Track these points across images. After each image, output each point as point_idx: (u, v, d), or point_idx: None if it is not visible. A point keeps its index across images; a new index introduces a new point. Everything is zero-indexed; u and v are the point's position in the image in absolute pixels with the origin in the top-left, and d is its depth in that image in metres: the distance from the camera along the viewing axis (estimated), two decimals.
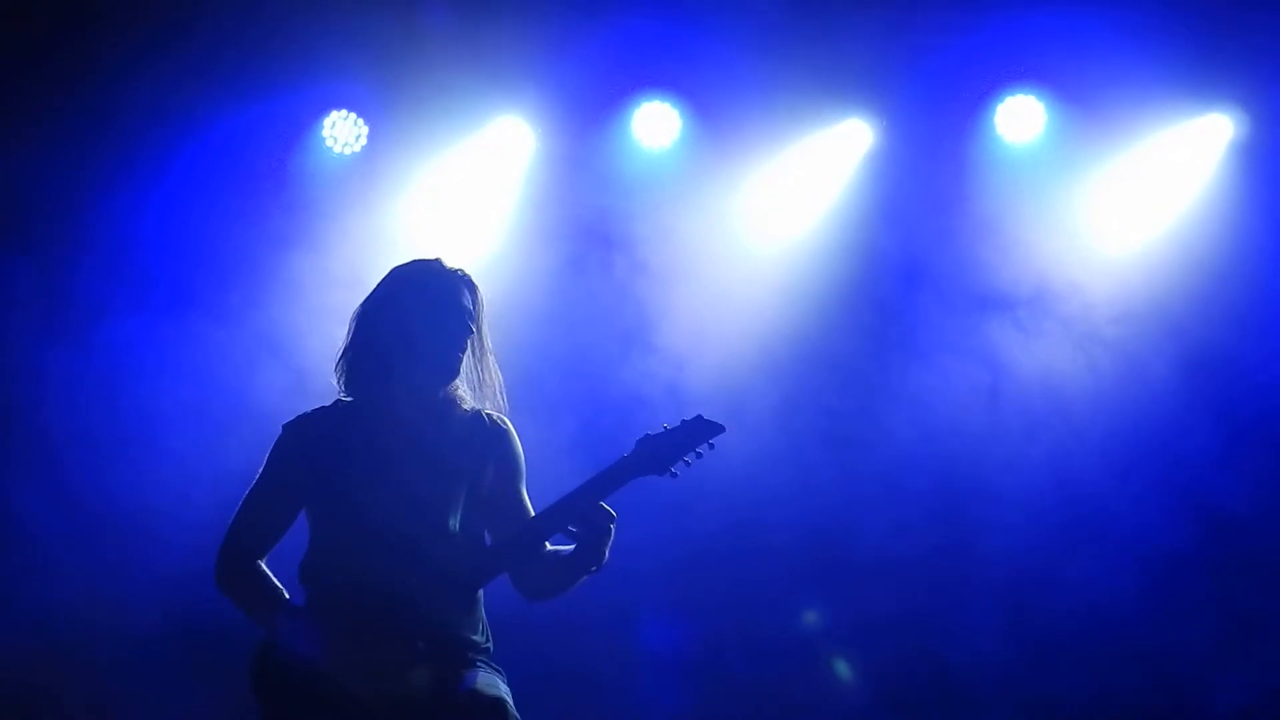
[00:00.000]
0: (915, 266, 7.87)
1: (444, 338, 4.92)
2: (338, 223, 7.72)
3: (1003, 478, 7.59)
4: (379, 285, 4.98)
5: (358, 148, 7.87)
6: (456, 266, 5.00)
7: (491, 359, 5.06)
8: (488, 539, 5.04)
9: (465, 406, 4.98)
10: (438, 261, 5.01)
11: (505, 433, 5.05)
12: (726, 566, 7.55)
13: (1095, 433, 7.64)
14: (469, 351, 4.99)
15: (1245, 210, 7.78)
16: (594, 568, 4.86)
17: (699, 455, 4.95)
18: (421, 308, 4.91)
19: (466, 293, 4.96)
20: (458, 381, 4.98)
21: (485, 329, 5.05)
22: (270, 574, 4.93)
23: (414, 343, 4.90)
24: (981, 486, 7.64)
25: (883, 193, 7.91)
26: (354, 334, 4.96)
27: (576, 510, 4.89)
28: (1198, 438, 7.57)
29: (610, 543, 4.85)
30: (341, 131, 7.85)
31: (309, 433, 4.94)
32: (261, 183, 7.81)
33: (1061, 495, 7.56)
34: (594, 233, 7.87)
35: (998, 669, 7.40)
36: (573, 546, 4.90)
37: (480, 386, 5.03)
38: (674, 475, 4.96)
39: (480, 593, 5.01)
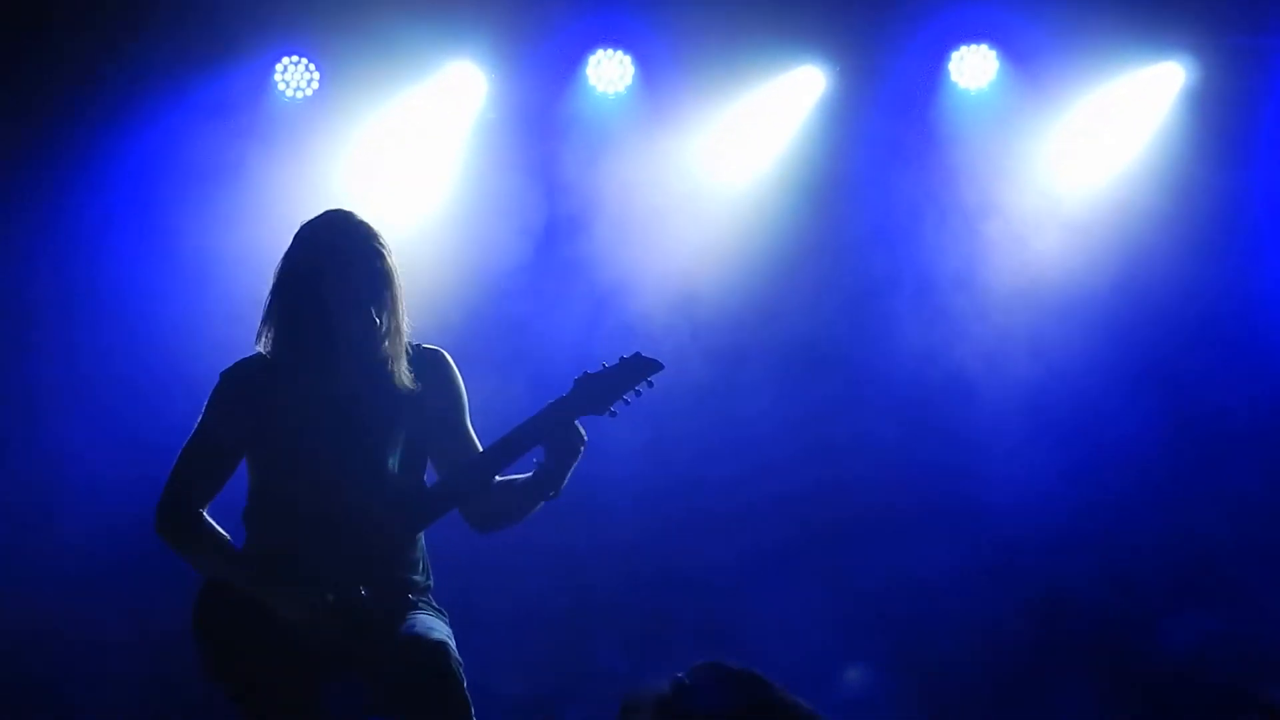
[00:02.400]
0: (870, 211, 7.88)
1: (360, 293, 4.91)
2: (288, 167, 7.68)
3: (961, 414, 7.67)
4: (293, 244, 5.00)
5: (309, 92, 7.83)
6: (362, 219, 5.02)
7: (400, 312, 5.04)
8: (434, 475, 5.05)
9: (395, 347, 4.98)
10: (344, 216, 5.04)
11: (440, 360, 5.09)
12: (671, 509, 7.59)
13: (1056, 369, 7.67)
14: (386, 300, 4.96)
15: (1196, 156, 7.79)
16: (553, 493, 4.91)
17: (638, 393, 4.97)
18: (332, 266, 4.90)
19: (374, 242, 4.98)
20: (384, 325, 4.96)
21: (397, 276, 5.01)
22: (212, 522, 4.96)
23: (332, 301, 4.90)
24: (944, 423, 7.69)
25: (836, 138, 7.89)
26: (272, 297, 4.98)
27: (516, 451, 4.92)
28: (1153, 378, 7.64)
29: (568, 475, 4.91)
30: (293, 76, 7.82)
31: (246, 380, 4.95)
32: (213, 128, 7.76)
33: (1028, 439, 7.60)
34: (546, 178, 7.86)
35: (953, 609, 7.46)
36: (528, 474, 4.94)
37: (398, 330, 5.01)
38: (613, 414, 4.96)
39: (421, 534, 5.05)
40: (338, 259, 4.91)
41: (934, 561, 7.51)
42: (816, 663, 7.24)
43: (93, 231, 7.78)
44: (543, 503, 4.99)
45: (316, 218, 5.02)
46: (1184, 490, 7.38)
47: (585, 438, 4.93)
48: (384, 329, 4.92)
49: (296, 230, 5.02)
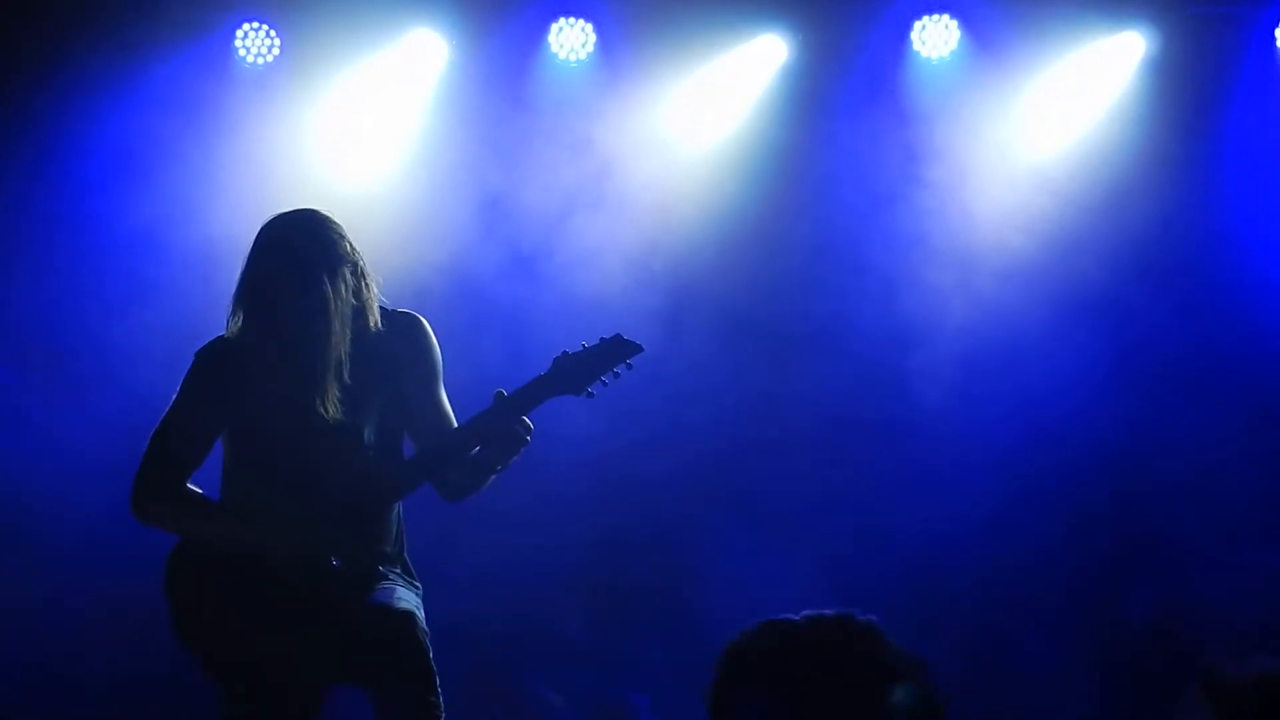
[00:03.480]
0: (831, 179, 7.90)
1: (321, 290, 4.93)
2: (248, 135, 7.70)
3: (918, 376, 7.69)
4: (255, 242, 5.07)
5: (270, 59, 7.83)
6: (313, 211, 5.09)
7: (371, 290, 5.10)
8: (410, 443, 5.11)
9: (371, 319, 5.04)
10: (302, 216, 5.11)
11: (416, 325, 5.15)
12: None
13: (1018, 334, 7.73)
14: (345, 282, 4.99)
15: (1157, 126, 7.86)
16: (500, 467, 4.97)
17: (616, 375, 4.99)
18: (288, 265, 4.96)
19: (328, 235, 5.03)
20: (348, 308, 5.01)
21: (359, 256, 5.08)
22: (193, 489, 4.99)
23: (294, 300, 4.95)
24: (898, 382, 7.72)
25: (798, 106, 7.94)
26: (238, 291, 5.05)
27: (493, 427, 4.95)
28: (1114, 348, 7.69)
29: (519, 450, 4.96)
30: (253, 43, 7.80)
31: (221, 358, 4.98)
32: (174, 95, 7.78)
33: (990, 399, 7.65)
34: (507, 145, 7.88)
35: (912, 565, 7.51)
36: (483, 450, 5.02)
37: (366, 308, 5.06)
38: (590, 395, 4.99)
39: (397, 505, 5.08)
40: (290, 253, 4.97)
41: (892, 518, 7.59)
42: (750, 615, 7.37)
43: (71, 203, 7.78)
44: (494, 476, 5.04)
45: (275, 218, 5.08)
46: (1142, 457, 7.45)
47: (532, 429, 4.97)
48: (344, 312, 4.97)
49: (261, 226, 5.06)
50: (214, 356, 5.03)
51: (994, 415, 7.68)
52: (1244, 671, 2.68)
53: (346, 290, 5.01)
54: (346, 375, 4.98)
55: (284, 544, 4.96)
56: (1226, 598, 7.21)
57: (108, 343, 7.55)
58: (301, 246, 5.03)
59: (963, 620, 7.41)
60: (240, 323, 5.01)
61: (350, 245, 5.06)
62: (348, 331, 4.98)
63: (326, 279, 4.98)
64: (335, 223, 5.11)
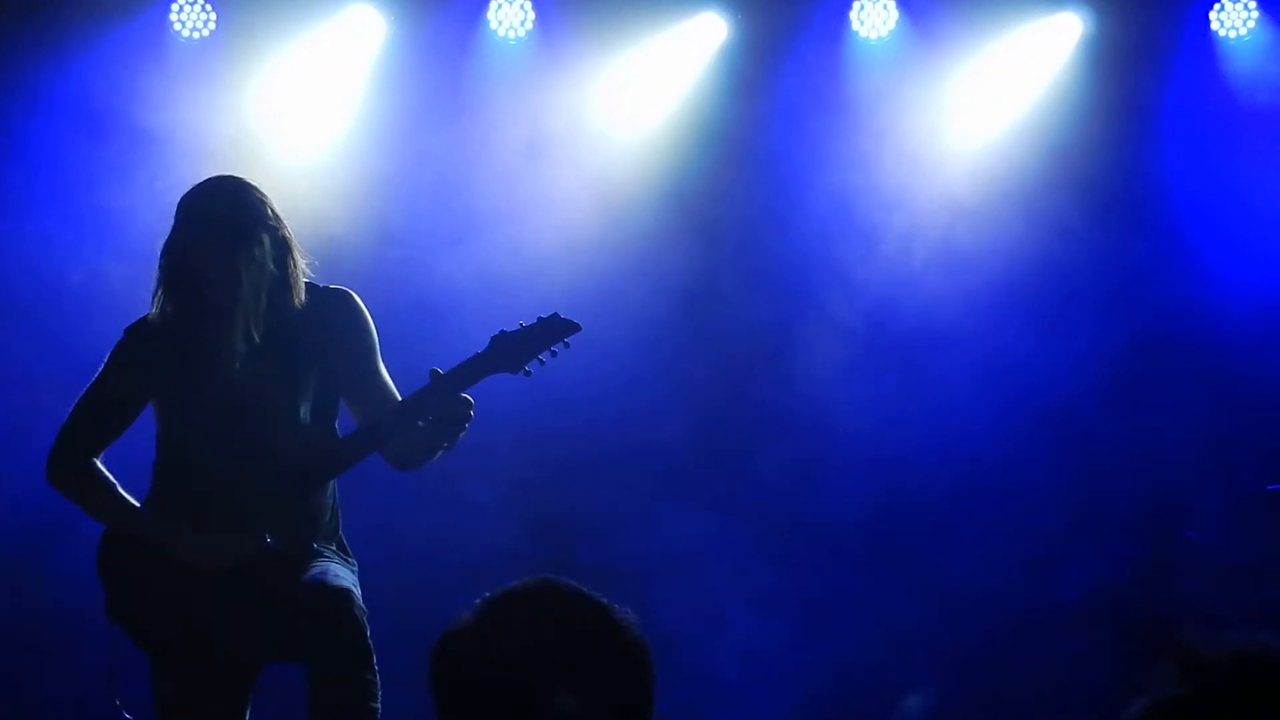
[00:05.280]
0: (771, 154, 7.94)
1: (239, 256, 4.96)
2: (184, 111, 7.70)
3: (850, 358, 7.73)
4: (175, 213, 5.07)
5: (206, 33, 7.80)
6: (240, 182, 5.11)
7: (294, 255, 5.11)
8: (353, 420, 5.14)
9: (300, 294, 5.06)
10: (220, 182, 5.14)
11: (347, 301, 5.18)
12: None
13: (951, 316, 7.76)
14: (265, 256, 5.01)
15: (1094, 107, 7.92)
16: (448, 445, 5.01)
17: (554, 354, 5.03)
18: (210, 236, 4.99)
19: (255, 205, 5.05)
20: (286, 274, 5.05)
21: (285, 229, 5.10)
22: (104, 470, 5.06)
23: (213, 270, 4.98)
24: (823, 363, 7.71)
25: (737, 84, 7.97)
26: (159, 266, 5.06)
27: (430, 405, 5.00)
28: (1056, 328, 7.76)
29: (463, 431, 5.02)
30: (189, 17, 7.79)
31: (150, 335, 5.02)
32: (107, 71, 7.76)
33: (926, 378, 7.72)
34: (445, 123, 7.90)
35: (845, 542, 7.56)
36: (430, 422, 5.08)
37: (290, 282, 5.09)
38: (527, 374, 5.02)
39: (333, 483, 5.12)
40: (212, 224, 4.99)
41: (825, 493, 7.63)
42: (713, 600, 7.37)
43: (12, 190, 7.81)
44: (440, 453, 5.07)
45: (195, 186, 5.08)
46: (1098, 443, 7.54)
47: (472, 403, 5.01)
48: (270, 283, 5.00)
49: (179, 199, 5.07)
50: (143, 334, 5.05)
51: (940, 397, 7.75)
52: (1217, 647, 2.62)
53: (264, 256, 5.01)
54: (258, 338, 4.98)
55: (187, 549, 5.02)
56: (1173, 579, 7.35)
57: (47, 325, 7.57)
58: (217, 211, 5.02)
59: (868, 585, 7.47)
60: (161, 296, 5.03)
61: (273, 212, 5.08)
62: (262, 298, 4.99)
63: (241, 243, 4.97)
64: (256, 189, 5.11)
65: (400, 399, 5.16)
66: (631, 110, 8.02)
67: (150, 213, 7.02)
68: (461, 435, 5.06)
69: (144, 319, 5.07)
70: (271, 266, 4.99)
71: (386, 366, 5.25)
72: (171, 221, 5.06)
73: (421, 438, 5.13)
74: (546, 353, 5.06)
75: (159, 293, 5.03)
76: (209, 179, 5.15)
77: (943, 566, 7.38)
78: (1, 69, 7.73)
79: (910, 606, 7.34)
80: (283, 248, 5.05)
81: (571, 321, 5.10)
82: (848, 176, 7.87)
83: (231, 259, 4.97)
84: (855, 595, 7.50)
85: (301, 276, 5.09)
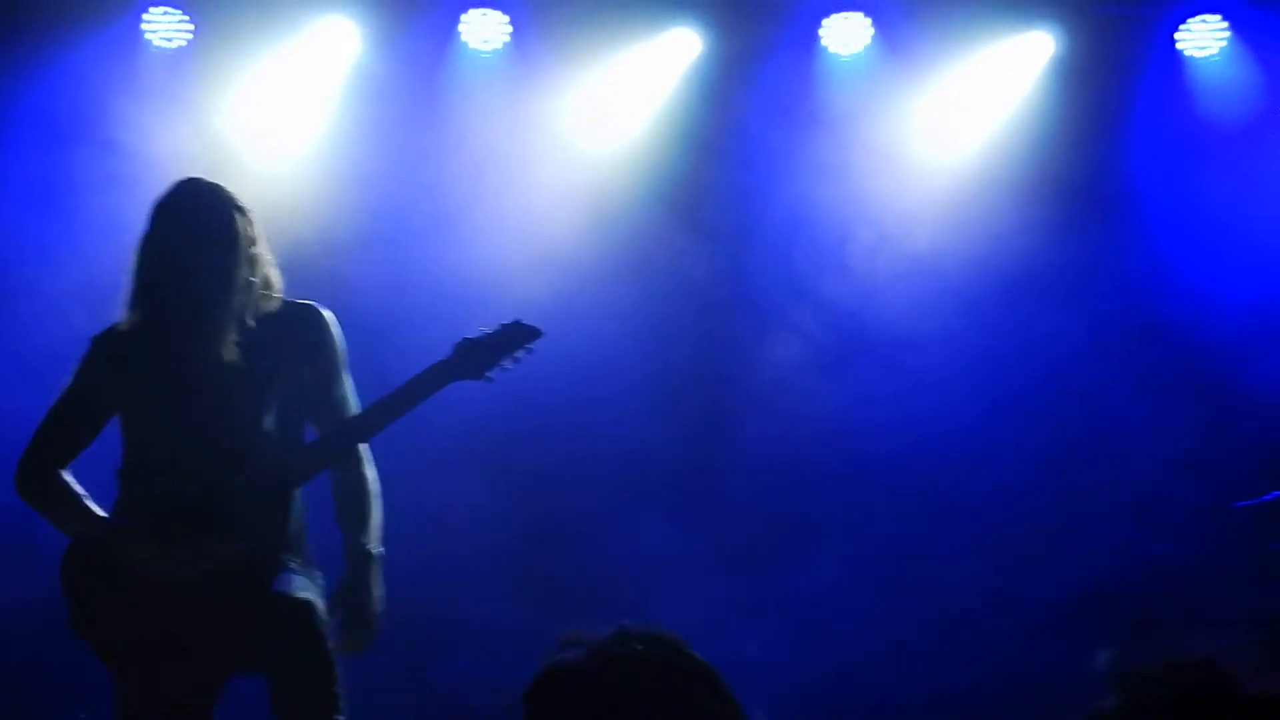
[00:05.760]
0: (744, 172, 7.99)
1: (214, 260, 4.97)
2: (156, 120, 7.71)
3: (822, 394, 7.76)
4: (149, 217, 5.03)
5: (182, 43, 7.81)
6: (213, 186, 5.08)
7: (267, 265, 5.11)
8: (313, 432, 5.12)
9: (270, 306, 5.05)
10: (193, 184, 5.09)
11: (314, 317, 5.15)
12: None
13: (921, 332, 7.81)
14: (240, 262, 5.01)
15: (1065, 125, 7.99)
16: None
17: (516, 361, 5.05)
18: (187, 236, 4.98)
19: (227, 209, 5.02)
20: (242, 288, 5.03)
21: (259, 238, 5.08)
22: (72, 481, 5.03)
23: (186, 271, 4.97)
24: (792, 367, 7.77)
25: (712, 98, 8.03)
26: (133, 270, 5.03)
27: (394, 412, 5.04)
28: (1030, 341, 7.83)
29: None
30: (162, 27, 7.81)
31: (116, 345, 5.01)
32: (91, 82, 7.78)
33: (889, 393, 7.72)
34: (419, 135, 7.93)
35: (817, 541, 7.57)
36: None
37: (262, 290, 5.08)
38: (490, 380, 5.04)
39: (297, 492, 5.09)
40: (188, 228, 4.97)
41: (794, 500, 7.67)
42: (677, 604, 7.41)
43: None
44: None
45: (168, 189, 5.05)
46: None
47: None
48: (243, 291, 4.98)
49: (156, 196, 5.02)
50: (109, 343, 5.03)
51: (914, 399, 7.77)
52: (1151, 659, 2.76)
53: (240, 264, 5.00)
54: (236, 354, 4.96)
55: (148, 562, 4.96)
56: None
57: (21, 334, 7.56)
58: (196, 215, 5.02)
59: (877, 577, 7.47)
60: (132, 298, 5.02)
61: (249, 220, 5.05)
62: (234, 307, 4.99)
63: (218, 249, 4.97)
64: (234, 196, 5.09)
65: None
66: (605, 123, 8.07)
67: (123, 223, 7.19)
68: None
69: (110, 328, 5.03)
70: (246, 275, 4.97)
71: (360, 375, 5.21)
72: (146, 223, 5.00)
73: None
74: (509, 359, 5.09)
75: (131, 294, 4.99)
76: (186, 180, 5.07)
77: (927, 568, 7.43)
78: None
79: (894, 608, 7.40)
80: (256, 258, 5.04)
81: (533, 327, 5.09)
82: (817, 187, 7.91)
83: (208, 263, 4.91)
84: (838, 598, 7.53)
85: (274, 289, 5.07)
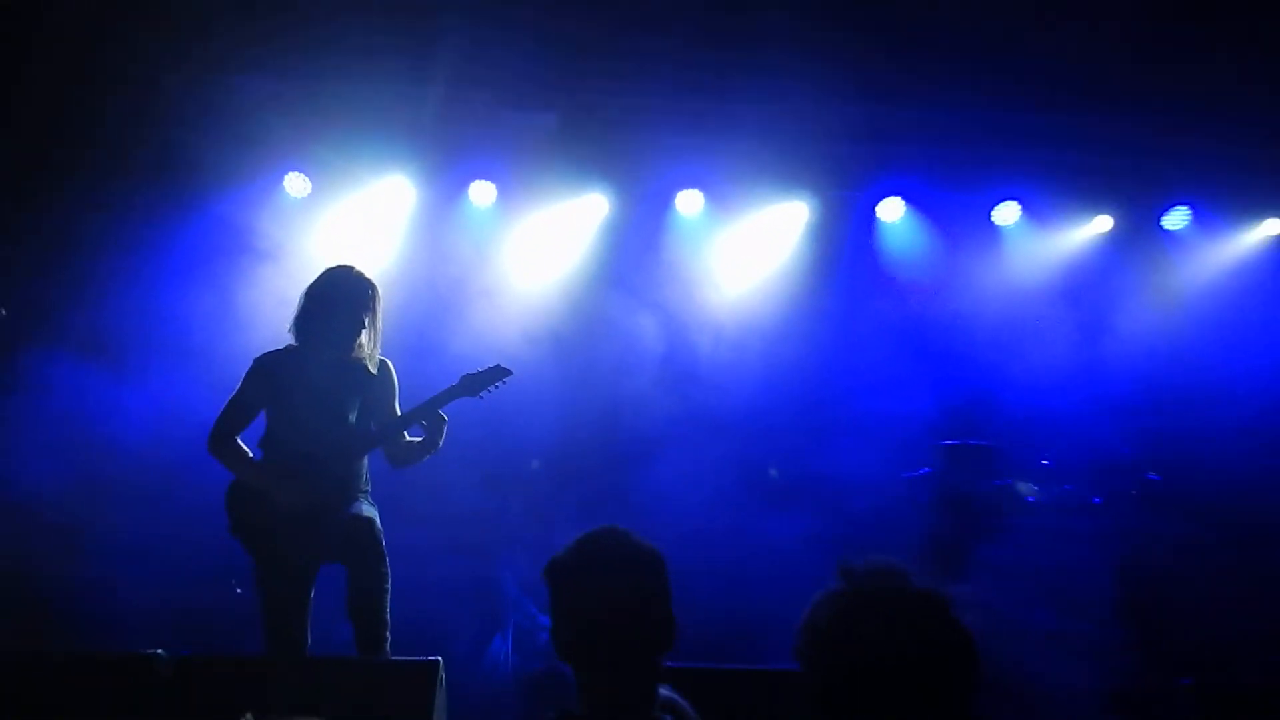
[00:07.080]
0: (632, 291, 9.46)
1: (347, 317, 6.10)
2: (291, 248, 9.05)
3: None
4: (317, 278, 6.20)
5: (305, 194, 9.43)
6: (364, 274, 6.18)
7: (376, 334, 6.08)
8: (372, 428, 6.21)
9: (364, 355, 6.16)
10: (354, 269, 6.22)
11: (385, 365, 6.23)
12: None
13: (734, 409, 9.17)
14: (366, 327, 6.13)
15: (817, 271, 9.49)
16: (433, 449, 6.16)
17: (497, 387, 6.25)
18: (337, 298, 6.12)
19: (368, 290, 6.16)
20: (359, 343, 6.13)
21: (379, 314, 6.16)
22: (241, 444, 6.16)
23: (329, 319, 6.06)
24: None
25: (609, 247, 9.58)
26: (299, 308, 6.19)
27: (421, 414, 6.13)
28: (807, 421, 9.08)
29: (443, 436, 6.12)
30: (294, 184, 9.47)
31: (268, 363, 6.22)
32: (246, 217, 9.00)
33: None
34: (449, 260, 9.39)
35: (724, 520, 8.90)
36: (421, 438, 6.22)
37: (373, 347, 6.17)
38: (481, 398, 6.22)
39: (365, 458, 6.25)
40: (342, 293, 6.12)
41: (692, 477, 8.84)
42: None
43: (166, 290, 8.90)
44: (429, 455, 6.19)
45: (335, 266, 6.17)
46: None
47: (445, 419, 6.05)
48: (364, 339, 6.15)
49: (321, 271, 6.11)
50: (264, 362, 6.14)
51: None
52: (866, 561, 3.03)
53: (365, 323, 6.07)
54: (340, 375, 6.03)
55: (281, 493, 5.88)
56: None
57: (189, 375, 8.26)
58: (349, 284, 6.06)
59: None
60: (296, 336, 6.06)
61: (378, 299, 6.11)
62: (352, 346, 6.02)
63: (358, 308, 6.08)
64: (372, 284, 6.13)
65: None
66: (543, 265, 9.55)
67: (269, 301, 8.17)
68: (440, 440, 6.05)
69: (266, 353, 6.11)
70: (364, 330, 6.08)
71: (400, 390, 6.32)
72: (317, 282, 5.96)
73: (414, 446, 6.12)
74: (494, 386, 6.16)
75: (294, 332, 6.07)
76: (344, 266, 6.10)
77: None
78: (160, 211, 8.84)
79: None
80: (372, 324, 6.12)
81: (508, 369, 6.21)
82: (666, 312, 9.43)
83: (350, 315, 6.03)
84: (748, 580, 8.32)
85: (377, 344, 6.16)
